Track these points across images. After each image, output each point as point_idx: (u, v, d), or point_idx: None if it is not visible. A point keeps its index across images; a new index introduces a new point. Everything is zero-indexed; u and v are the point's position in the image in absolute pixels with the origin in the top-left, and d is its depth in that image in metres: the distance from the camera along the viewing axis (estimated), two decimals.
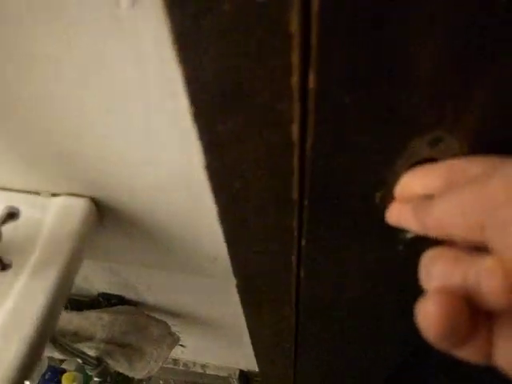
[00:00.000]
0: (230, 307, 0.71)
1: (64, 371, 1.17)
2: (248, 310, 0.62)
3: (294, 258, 0.44)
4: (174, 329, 0.93)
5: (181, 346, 1.08)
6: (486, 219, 0.17)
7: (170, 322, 0.85)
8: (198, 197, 0.39)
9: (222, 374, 1.19)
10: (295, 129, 0.27)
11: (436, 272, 0.21)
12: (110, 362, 0.72)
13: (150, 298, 0.74)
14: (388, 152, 0.27)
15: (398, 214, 0.27)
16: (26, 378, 0.37)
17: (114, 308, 0.76)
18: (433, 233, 0.22)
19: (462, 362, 0.20)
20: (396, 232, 0.36)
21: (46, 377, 1.21)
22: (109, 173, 0.37)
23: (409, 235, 0.35)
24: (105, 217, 0.45)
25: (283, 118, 0.27)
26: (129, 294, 0.75)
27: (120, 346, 0.72)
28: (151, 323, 0.75)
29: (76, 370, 1.12)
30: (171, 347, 0.75)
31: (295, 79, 0.24)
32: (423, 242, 0.31)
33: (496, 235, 0.17)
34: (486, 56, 0.21)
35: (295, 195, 0.34)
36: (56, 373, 1.21)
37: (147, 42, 0.26)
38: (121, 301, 0.78)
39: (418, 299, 0.20)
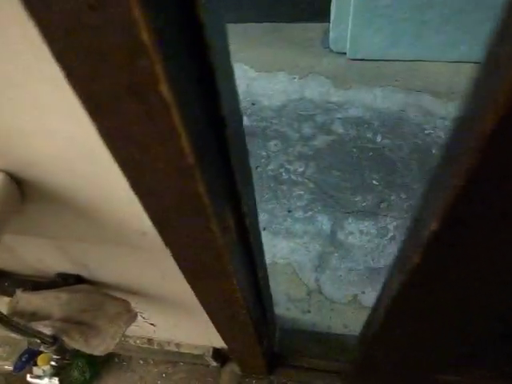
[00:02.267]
0: (184, 282, 0.72)
1: (41, 353, 1.18)
2: (191, 283, 0.62)
3: (214, 227, 0.44)
4: (139, 307, 0.93)
5: (151, 324, 1.08)
6: None
7: (133, 300, 0.86)
8: (108, 168, 0.39)
9: (197, 352, 1.21)
10: (164, 87, 0.27)
11: None
12: (65, 339, 0.72)
13: (104, 276, 0.75)
14: None
15: None
16: None
17: (72, 287, 0.76)
18: None
19: None
20: None
21: (23, 359, 1.22)
22: (12, 145, 0.37)
23: None
24: (27, 191, 0.45)
25: (148, 75, 0.26)
26: (83, 273, 0.76)
27: (76, 323, 0.72)
28: (108, 301, 0.76)
29: None
30: (128, 324, 0.76)
31: (145, 35, 0.24)
32: None
33: None
34: None
35: (191, 159, 0.34)
36: (33, 355, 1.22)
37: None
38: (78, 280, 0.78)
39: None
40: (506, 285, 0.46)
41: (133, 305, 0.86)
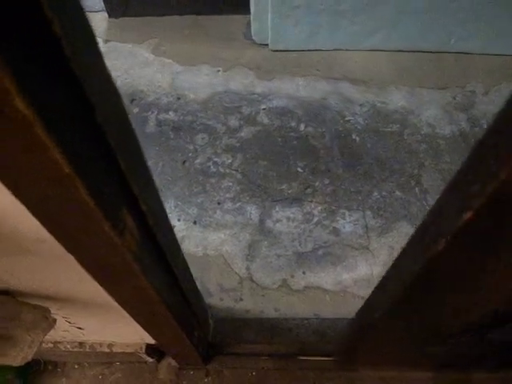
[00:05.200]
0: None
1: None
2: (103, 285, 0.63)
3: (108, 229, 0.45)
4: (62, 313, 0.92)
5: (79, 328, 1.07)
6: None
7: (56, 306, 0.85)
8: None
9: (129, 350, 1.21)
10: (18, 102, 0.28)
11: None
12: None
13: (17, 284, 0.74)
14: None
15: None
16: None
17: None
18: None
19: None
20: None
21: None
22: None
23: None
24: None
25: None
26: None
27: None
28: (24, 310, 0.75)
29: None
30: (46, 331, 0.75)
31: None
32: None
33: None
34: None
35: (67, 169, 0.35)
36: None
37: None
38: None
39: None
40: None
41: (54, 311, 0.85)
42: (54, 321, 0.77)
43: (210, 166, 1.79)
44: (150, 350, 1.24)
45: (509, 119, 0.35)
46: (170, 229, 0.69)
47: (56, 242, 0.49)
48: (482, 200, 0.37)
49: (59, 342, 1.21)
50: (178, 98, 2.07)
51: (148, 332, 0.91)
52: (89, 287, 0.76)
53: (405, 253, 0.62)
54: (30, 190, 0.38)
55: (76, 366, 1.41)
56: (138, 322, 0.82)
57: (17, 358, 0.73)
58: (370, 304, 0.86)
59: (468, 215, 0.40)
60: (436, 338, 0.92)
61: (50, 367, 1.42)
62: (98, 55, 0.37)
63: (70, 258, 0.53)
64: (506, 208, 0.38)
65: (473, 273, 0.54)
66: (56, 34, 0.30)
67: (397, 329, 0.85)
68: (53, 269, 0.65)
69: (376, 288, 0.78)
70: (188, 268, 0.87)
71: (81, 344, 1.21)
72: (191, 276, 0.93)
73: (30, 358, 0.74)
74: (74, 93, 0.34)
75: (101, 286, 0.62)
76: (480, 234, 0.44)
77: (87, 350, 1.22)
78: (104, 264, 0.55)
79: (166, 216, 0.66)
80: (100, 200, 0.41)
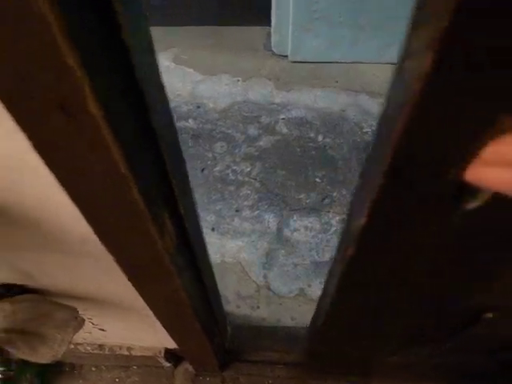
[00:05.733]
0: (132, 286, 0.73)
1: None
2: (137, 287, 0.64)
3: (152, 230, 0.47)
4: (88, 313, 0.94)
5: (101, 330, 1.09)
6: None
7: (81, 306, 0.87)
8: (45, 180, 0.41)
9: (148, 354, 1.22)
10: (91, 102, 0.30)
11: None
12: (10, 350, 0.72)
13: (50, 284, 0.75)
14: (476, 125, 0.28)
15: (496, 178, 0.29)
16: None
17: (16, 297, 0.76)
18: None
19: None
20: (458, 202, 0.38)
21: None
22: None
23: (472, 205, 0.37)
24: None
25: (77, 92, 0.29)
26: (29, 282, 0.76)
27: (21, 333, 0.72)
28: (54, 308, 0.76)
29: None
30: (76, 330, 0.77)
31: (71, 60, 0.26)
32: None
33: None
34: None
35: (124, 170, 0.36)
36: None
37: None
38: (22, 290, 0.78)
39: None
40: (433, 271, 0.52)
41: (81, 311, 0.86)
42: (83, 321, 0.79)
43: (228, 174, 1.81)
44: (167, 354, 1.25)
45: None
46: (201, 233, 0.70)
47: (99, 242, 0.50)
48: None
49: (79, 344, 1.23)
50: (198, 107, 2.10)
51: (171, 335, 0.92)
52: (117, 289, 0.77)
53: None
54: (85, 190, 0.40)
55: (93, 369, 1.43)
56: (164, 324, 0.83)
57: (46, 355, 0.74)
58: (317, 310, 0.85)
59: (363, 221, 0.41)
60: (386, 346, 0.92)
61: (67, 369, 1.43)
62: (156, 65, 0.39)
63: (108, 259, 0.55)
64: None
65: (385, 271, 0.54)
66: (124, 41, 0.32)
67: (343, 335, 0.85)
68: (88, 269, 0.67)
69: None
70: (213, 274, 0.89)
71: (100, 346, 1.23)
72: (215, 282, 0.94)
73: (59, 356, 0.75)
74: (133, 96, 0.36)
75: (134, 287, 0.64)
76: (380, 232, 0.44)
77: (106, 352, 1.23)
78: (141, 265, 0.56)
79: (199, 220, 0.68)
80: (148, 201, 0.43)
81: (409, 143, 0.31)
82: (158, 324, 0.84)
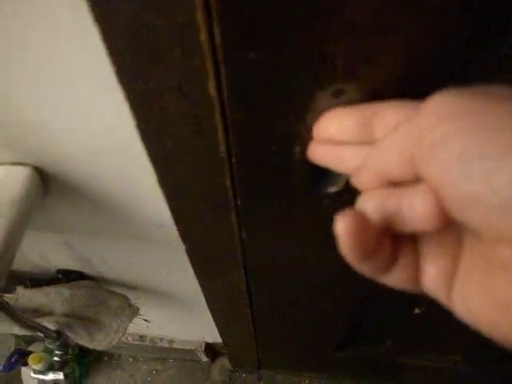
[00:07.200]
0: (187, 277, 0.73)
1: (30, 353, 1.17)
2: (200, 277, 0.64)
3: (233, 219, 0.46)
4: (137, 303, 0.95)
5: (145, 321, 1.10)
6: (413, 148, 0.18)
7: (133, 296, 0.87)
8: (137, 161, 0.40)
9: (189, 347, 1.22)
10: (211, 85, 0.29)
11: (370, 207, 0.21)
12: (69, 334, 0.73)
13: (107, 271, 0.76)
14: (297, 106, 0.29)
15: (324, 155, 0.29)
16: None
17: (74, 283, 0.77)
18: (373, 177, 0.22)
19: None
20: (320, 187, 0.38)
21: (13, 359, 1.21)
22: (47, 140, 0.38)
23: (333, 189, 0.38)
24: (50, 185, 0.46)
25: (199, 74, 0.29)
26: (86, 269, 0.76)
27: (80, 318, 0.73)
28: (110, 296, 0.77)
29: (43, 351, 1.13)
30: (131, 318, 0.77)
31: (204, 36, 0.26)
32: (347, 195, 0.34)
33: (423, 159, 0.17)
34: None
35: (223, 152, 0.36)
36: (22, 355, 1.21)
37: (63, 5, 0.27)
38: (80, 276, 0.79)
39: None
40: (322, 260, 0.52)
41: (132, 300, 0.87)
42: (138, 309, 0.79)
43: None
44: (206, 348, 1.25)
45: None
46: None
47: (172, 229, 0.50)
48: None
49: None
50: None
51: (219, 329, 0.92)
52: (174, 281, 0.77)
53: None
54: (177, 173, 0.39)
55: (130, 360, 1.44)
56: (216, 317, 0.83)
57: (102, 342, 0.75)
58: None
59: None
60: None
61: (105, 358, 1.45)
62: None
63: (173, 249, 0.55)
64: None
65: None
66: None
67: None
68: (150, 258, 0.67)
69: None
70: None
71: (141, 337, 1.24)
72: None
73: (114, 343, 0.76)
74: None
75: (197, 277, 0.64)
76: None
77: (147, 343, 1.24)
78: (211, 254, 0.56)
79: None
80: (234, 189, 0.42)
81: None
82: (204, 317, 0.84)
